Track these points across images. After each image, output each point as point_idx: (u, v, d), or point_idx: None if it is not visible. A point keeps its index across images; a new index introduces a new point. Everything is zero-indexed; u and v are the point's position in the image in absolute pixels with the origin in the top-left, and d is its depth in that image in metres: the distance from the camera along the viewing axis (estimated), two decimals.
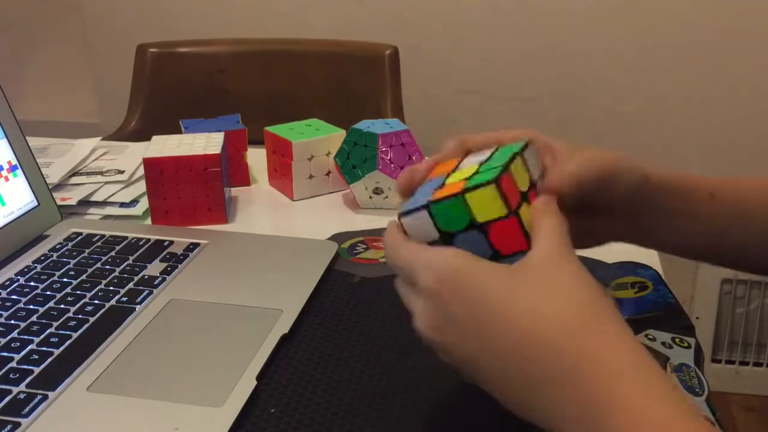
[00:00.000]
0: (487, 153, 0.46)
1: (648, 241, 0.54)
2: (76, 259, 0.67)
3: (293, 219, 0.83)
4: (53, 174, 0.87)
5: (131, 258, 0.68)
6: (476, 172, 0.43)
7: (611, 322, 0.37)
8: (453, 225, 0.41)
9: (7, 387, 0.49)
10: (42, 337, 0.55)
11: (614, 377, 0.35)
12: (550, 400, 0.36)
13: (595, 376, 0.35)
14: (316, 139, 0.84)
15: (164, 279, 0.64)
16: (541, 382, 0.37)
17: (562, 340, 0.36)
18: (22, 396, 0.49)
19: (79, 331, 0.56)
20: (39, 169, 0.75)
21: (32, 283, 0.63)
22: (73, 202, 0.82)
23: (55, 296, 0.61)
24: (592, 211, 0.49)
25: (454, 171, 0.45)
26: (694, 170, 0.54)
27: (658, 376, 0.36)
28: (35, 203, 0.73)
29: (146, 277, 0.64)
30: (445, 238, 0.42)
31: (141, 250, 0.69)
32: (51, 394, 0.49)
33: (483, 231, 0.41)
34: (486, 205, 0.40)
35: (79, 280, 0.64)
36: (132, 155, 0.96)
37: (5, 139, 0.72)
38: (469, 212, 0.41)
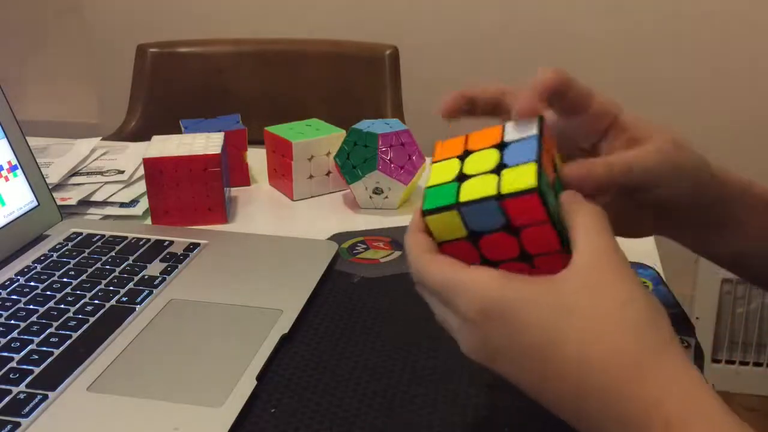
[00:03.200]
0: (496, 131, 0.43)
1: (701, 241, 0.52)
2: (76, 259, 0.67)
3: (293, 219, 0.83)
4: (53, 174, 0.87)
5: (131, 258, 0.68)
6: (501, 163, 0.40)
7: (666, 354, 0.35)
8: (484, 226, 0.40)
9: (7, 387, 0.49)
10: (42, 337, 0.55)
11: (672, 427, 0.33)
12: None
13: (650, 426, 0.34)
14: (316, 139, 0.84)
15: (164, 279, 0.64)
16: (595, 422, 0.35)
17: (613, 389, 0.35)
18: (22, 396, 0.49)
19: (79, 331, 0.56)
20: (39, 169, 0.75)
21: (32, 283, 0.63)
22: (73, 202, 0.82)
23: (55, 296, 0.61)
24: (648, 201, 0.47)
25: (467, 152, 0.43)
26: None
27: (717, 421, 0.34)
28: (35, 203, 0.73)
29: (146, 277, 0.64)
30: (473, 237, 0.40)
31: (141, 250, 0.69)
32: (51, 394, 0.49)
33: (516, 233, 0.39)
34: (524, 211, 0.38)
35: (79, 280, 0.64)
36: (132, 155, 0.96)
37: (5, 139, 0.72)
38: (505, 216, 0.39)
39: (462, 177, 0.41)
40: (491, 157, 0.41)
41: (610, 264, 0.37)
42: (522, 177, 0.39)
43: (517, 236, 0.39)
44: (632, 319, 0.36)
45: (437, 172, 0.43)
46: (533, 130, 0.42)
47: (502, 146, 0.42)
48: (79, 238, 0.71)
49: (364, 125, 0.82)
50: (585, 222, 0.39)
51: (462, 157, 0.43)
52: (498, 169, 0.40)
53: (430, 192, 0.42)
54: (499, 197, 0.38)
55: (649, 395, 0.34)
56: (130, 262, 0.67)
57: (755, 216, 0.50)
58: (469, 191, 0.40)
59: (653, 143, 0.44)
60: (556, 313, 0.36)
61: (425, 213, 0.41)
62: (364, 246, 0.73)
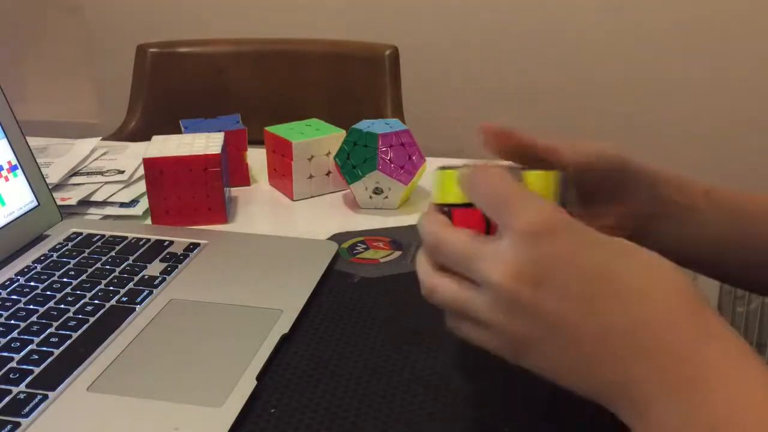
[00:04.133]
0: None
1: (649, 236, 0.54)
2: (76, 259, 0.67)
3: (293, 219, 0.83)
4: (53, 174, 0.87)
5: (131, 258, 0.68)
6: None
7: (713, 319, 0.36)
8: None
9: (7, 387, 0.49)
10: (42, 337, 0.55)
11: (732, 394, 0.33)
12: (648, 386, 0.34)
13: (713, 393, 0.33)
14: (316, 139, 0.84)
15: (164, 279, 0.64)
16: (637, 360, 0.34)
17: (671, 334, 0.34)
18: (22, 396, 0.49)
19: (79, 331, 0.56)
20: (39, 169, 0.75)
21: (32, 283, 0.63)
22: (73, 202, 0.82)
23: (55, 296, 0.61)
24: (598, 200, 0.50)
25: None
26: (692, 172, 0.55)
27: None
28: (35, 203, 0.73)
29: (146, 277, 0.64)
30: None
31: (141, 250, 0.69)
32: (51, 394, 0.49)
33: None
34: None
35: (79, 280, 0.64)
36: (132, 155, 0.96)
37: (5, 139, 0.72)
38: None
39: None
40: None
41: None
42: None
43: None
44: (690, 292, 0.36)
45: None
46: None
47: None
48: (79, 238, 0.71)
49: (364, 125, 0.82)
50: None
51: None
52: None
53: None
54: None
55: (709, 358, 0.34)
56: (130, 262, 0.67)
57: (696, 200, 0.53)
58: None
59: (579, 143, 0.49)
60: (622, 245, 0.36)
61: (441, 168, 0.42)
62: (364, 246, 0.73)
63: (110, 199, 0.84)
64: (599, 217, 0.52)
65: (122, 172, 0.90)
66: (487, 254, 0.37)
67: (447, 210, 0.42)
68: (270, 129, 0.87)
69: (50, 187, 0.77)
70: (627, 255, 0.36)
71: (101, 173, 0.90)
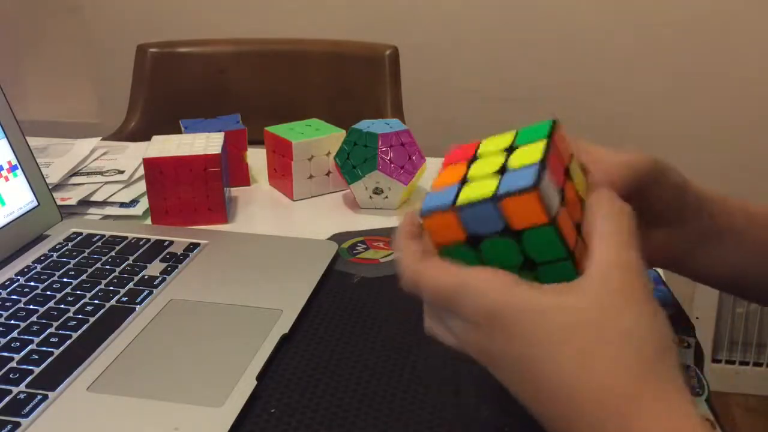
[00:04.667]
0: (509, 136, 0.42)
1: (692, 258, 0.51)
2: (76, 259, 0.67)
3: (293, 219, 0.83)
4: (53, 174, 0.87)
5: (131, 258, 0.68)
6: (504, 166, 0.39)
7: (662, 392, 0.34)
8: (484, 229, 0.38)
9: (7, 387, 0.49)
10: (42, 337, 0.55)
11: None
12: None
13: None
14: (316, 139, 0.84)
15: (164, 279, 0.64)
16: None
17: (602, 417, 0.34)
18: (22, 396, 0.49)
19: (79, 331, 0.56)
20: (39, 169, 0.75)
21: (32, 283, 0.63)
22: (73, 202, 0.82)
23: (55, 296, 0.61)
24: (640, 218, 0.47)
25: (476, 156, 0.42)
26: (692, 172, 0.54)
27: None
28: (35, 203, 0.73)
29: (146, 277, 0.64)
30: (473, 241, 0.39)
31: (141, 250, 0.69)
32: (51, 394, 0.49)
33: (517, 237, 0.37)
34: (523, 212, 0.37)
35: (79, 280, 0.64)
36: (132, 155, 0.96)
37: (5, 139, 0.72)
38: (503, 219, 0.37)
39: (465, 180, 0.40)
40: (497, 161, 0.40)
41: (622, 285, 0.36)
42: (522, 177, 0.37)
43: (518, 241, 0.38)
44: (632, 354, 0.35)
45: (444, 175, 0.42)
46: (543, 133, 0.40)
47: (510, 150, 0.41)
48: (79, 238, 0.71)
49: (364, 125, 0.82)
50: (604, 230, 0.37)
51: (470, 162, 0.42)
52: (501, 172, 0.39)
53: (430, 194, 0.41)
54: (496, 198, 0.37)
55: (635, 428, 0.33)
56: (130, 262, 0.67)
57: (738, 219, 0.50)
58: (469, 193, 0.38)
59: (623, 153, 0.45)
60: (558, 332, 0.35)
61: (422, 214, 0.39)
62: (364, 246, 0.73)
63: (110, 199, 0.84)
64: (647, 237, 0.47)
65: (122, 172, 0.90)
66: (472, 289, 0.38)
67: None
68: (270, 129, 0.87)
69: (50, 187, 0.77)
70: (561, 348, 0.35)
71: (101, 173, 0.90)
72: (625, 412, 0.34)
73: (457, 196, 0.39)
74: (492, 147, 0.42)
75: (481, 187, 0.38)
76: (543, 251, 0.38)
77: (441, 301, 0.39)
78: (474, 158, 0.42)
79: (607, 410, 0.34)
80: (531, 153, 0.39)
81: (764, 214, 0.51)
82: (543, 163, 0.37)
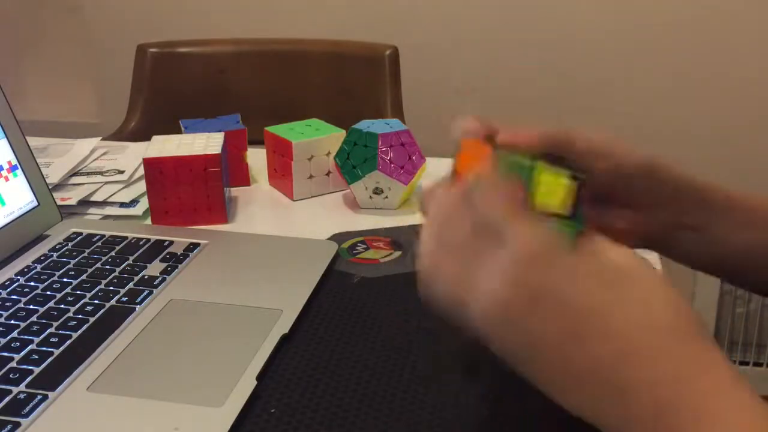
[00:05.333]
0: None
1: (665, 245, 0.52)
2: (76, 259, 0.67)
3: (293, 219, 0.83)
4: (53, 174, 0.87)
5: (131, 258, 0.68)
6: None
7: (706, 353, 0.35)
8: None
9: (7, 387, 0.49)
10: (42, 337, 0.55)
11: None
12: (631, 411, 0.34)
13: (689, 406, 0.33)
14: (316, 139, 0.84)
15: (164, 279, 0.64)
16: (629, 391, 0.34)
17: (663, 347, 0.34)
18: (22, 396, 0.49)
19: (79, 331, 0.56)
20: (39, 169, 0.75)
21: (32, 283, 0.63)
22: (73, 202, 0.82)
23: (55, 296, 0.61)
24: (610, 202, 0.49)
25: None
26: (694, 171, 0.54)
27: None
28: (35, 203, 0.73)
29: (146, 277, 0.64)
30: None
31: (141, 250, 0.69)
32: (51, 394, 0.49)
33: None
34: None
35: (79, 280, 0.64)
36: (132, 155, 0.96)
37: (5, 139, 0.72)
38: None
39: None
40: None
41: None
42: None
43: None
44: (677, 310, 0.35)
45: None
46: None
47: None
48: (79, 238, 0.71)
49: (364, 125, 0.82)
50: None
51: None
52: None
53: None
54: None
55: (696, 361, 0.34)
56: (130, 262, 0.67)
57: (713, 218, 0.51)
58: None
59: (622, 148, 0.47)
60: (618, 275, 0.36)
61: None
62: (364, 246, 0.73)
63: (110, 199, 0.84)
64: (616, 220, 0.50)
65: (122, 172, 0.90)
66: (487, 261, 0.37)
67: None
68: (270, 129, 0.87)
69: (50, 187, 0.77)
70: (619, 286, 0.35)
71: (101, 173, 0.90)
72: (685, 340, 0.35)
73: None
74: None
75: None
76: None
77: (496, 221, 0.37)
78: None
79: (669, 337, 0.34)
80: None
81: (746, 203, 0.52)
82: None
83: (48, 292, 0.62)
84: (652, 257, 0.68)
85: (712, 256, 0.53)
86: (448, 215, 0.40)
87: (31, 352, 0.53)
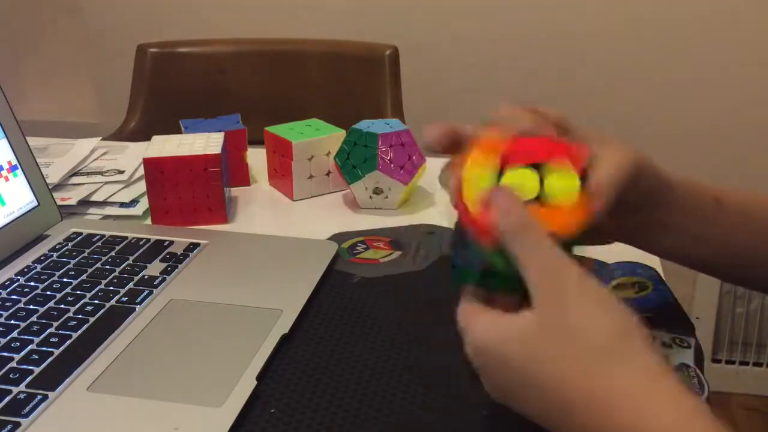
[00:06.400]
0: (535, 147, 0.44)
1: (653, 240, 0.53)
2: (76, 259, 0.67)
3: (293, 219, 0.83)
4: (53, 174, 0.87)
5: (131, 258, 0.68)
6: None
7: (629, 356, 0.38)
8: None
9: (7, 387, 0.49)
10: (42, 337, 0.55)
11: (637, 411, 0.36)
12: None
13: (619, 413, 0.37)
14: (316, 139, 0.84)
15: (164, 279, 0.64)
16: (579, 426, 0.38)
17: (588, 391, 0.38)
18: (22, 396, 0.49)
19: (79, 331, 0.56)
20: (39, 169, 0.75)
21: (32, 283, 0.63)
22: (73, 202, 0.82)
23: (55, 296, 0.61)
24: (619, 203, 0.49)
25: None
26: (695, 172, 0.54)
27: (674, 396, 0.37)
28: (35, 203, 0.73)
29: (146, 277, 0.64)
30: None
31: (141, 250, 0.69)
32: (51, 394, 0.49)
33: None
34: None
35: (79, 280, 0.64)
36: (132, 155, 0.96)
37: (5, 139, 0.72)
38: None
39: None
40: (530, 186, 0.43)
41: (552, 295, 0.40)
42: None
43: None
44: (585, 348, 0.39)
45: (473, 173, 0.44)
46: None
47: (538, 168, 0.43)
48: (79, 238, 0.71)
49: (364, 125, 0.82)
50: (522, 253, 0.41)
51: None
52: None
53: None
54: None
55: (613, 391, 0.37)
56: (130, 262, 0.67)
57: (706, 207, 0.52)
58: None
59: (612, 153, 0.46)
60: (525, 353, 0.40)
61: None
62: (364, 246, 0.73)
63: (110, 199, 0.84)
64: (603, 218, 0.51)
65: (122, 172, 0.90)
66: (467, 337, 0.43)
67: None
68: (270, 129, 0.87)
69: (50, 187, 0.77)
70: (540, 356, 0.39)
71: (101, 173, 0.90)
72: (601, 382, 0.38)
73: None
74: (520, 157, 0.44)
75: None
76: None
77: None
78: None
79: (588, 392, 0.38)
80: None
81: (736, 202, 0.53)
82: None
83: (48, 292, 0.62)
84: (652, 258, 0.69)
85: (702, 255, 0.53)
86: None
87: (31, 352, 0.53)
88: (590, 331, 0.39)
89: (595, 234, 0.49)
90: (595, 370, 0.38)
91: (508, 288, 0.43)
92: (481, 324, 0.42)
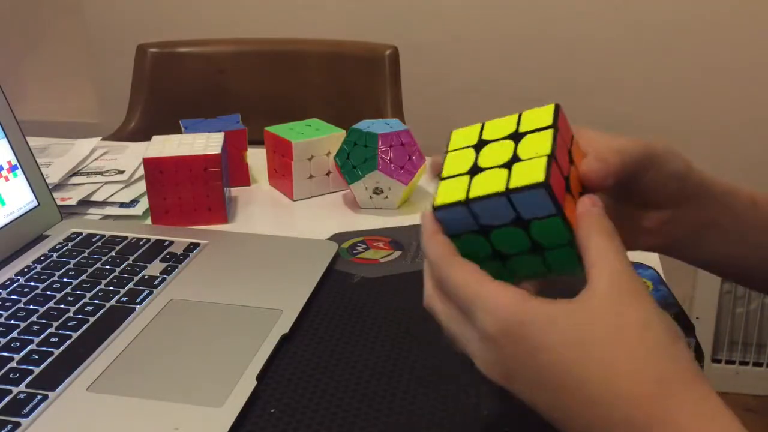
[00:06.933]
0: (512, 120, 0.43)
1: (694, 242, 0.51)
2: (76, 259, 0.67)
3: (293, 219, 0.83)
4: (53, 174, 0.87)
5: (131, 258, 0.68)
6: (514, 156, 0.40)
7: (687, 386, 0.35)
8: (494, 220, 0.40)
9: (7, 387, 0.49)
10: (42, 337, 0.55)
11: None
12: None
13: None
14: (316, 139, 0.84)
15: (164, 279, 0.64)
16: None
17: (633, 413, 0.35)
18: (22, 396, 0.49)
19: (79, 331, 0.56)
20: (39, 169, 0.75)
21: (32, 283, 0.63)
22: (73, 202, 0.82)
23: (55, 296, 0.61)
24: (636, 201, 0.48)
25: (482, 141, 0.43)
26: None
27: None
28: (35, 203, 0.73)
29: (146, 277, 0.64)
30: (484, 230, 0.41)
31: (141, 250, 0.69)
32: (51, 394, 0.49)
33: (525, 226, 0.40)
34: (532, 205, 0.39)
35: (79, 280, 0.64)
36: (132, 155, 0.96)
37: (5, 139, 0.72)
38: (514, 211, 0.39)
39: (475, 170, 0.41)
40: (505, 150, 0.41)
41: (628, 288, 0.37)
42: (532, 172, 0.39)
43: (526, 229, 0.40)
44: (653, 342, 0.36)
45: (451, 162, 0.43)
46: (548, 121, 0.41)
47: (517, 137, 0.42)
48: (79, 238, 0.71)
49: (364, 125, 0.82)
50: (600, 243, 0.39)
51: (477, 147, 0.43)
52: (510, 163, 0.40)
53: (442, 185, 0.42)
54: (507, 192, 0.39)
55: (673, 420, 0.34)
56: (130, 262, 0.67)
57: (742, 207, 0.51)
58: (480, 186, 0.40)
59: (620, 138, 0.46)
60: (577, 334, 0.36)
61: (436, 208, 0.41)
62: (364, 246, 0.73)
63: (110, 199, 0.84)
64: (642, 219, 0.49)
65: (122, 172, 0.90)
66: (481, 306, 0.39)
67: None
68: (270, 129, 0.87)
69: (50, 187, 0.77)
70: (584, 349, 0.36)
71: (101, 173, 0.90)
72: (659, 399, 0.35)
73: (469, 188, 0.40)
74: (497, 132, 0.43)
75: (491, 179, 0.40)
76: (550, 238, 0.40)
77: (459, 304, 0.40)
78: (480, 143, 0.43)
79: (635, 413, 0.35)
80: (539, 144, 0.40)
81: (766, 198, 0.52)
82: (551, 157, 0.39)
83: (48, 292, 0.62)
84: (653, 258, 0.69)
85: (734, 258, 0.52)
86: (443, 271, 0.41)
87: (31, 352, 0.53)
88: (659, 323, 0.37)
89: (638, 231, 0.48)
90: (645, 389, 0.35)
91: (534, 272, 0.42)
92: (510, 297, 0.38)
